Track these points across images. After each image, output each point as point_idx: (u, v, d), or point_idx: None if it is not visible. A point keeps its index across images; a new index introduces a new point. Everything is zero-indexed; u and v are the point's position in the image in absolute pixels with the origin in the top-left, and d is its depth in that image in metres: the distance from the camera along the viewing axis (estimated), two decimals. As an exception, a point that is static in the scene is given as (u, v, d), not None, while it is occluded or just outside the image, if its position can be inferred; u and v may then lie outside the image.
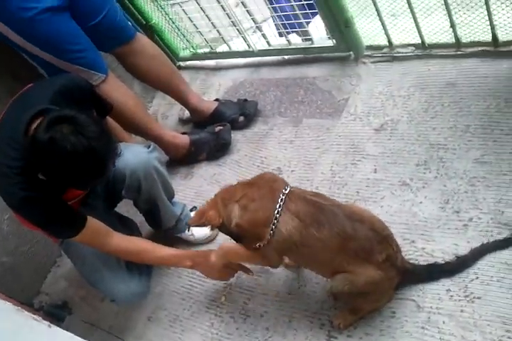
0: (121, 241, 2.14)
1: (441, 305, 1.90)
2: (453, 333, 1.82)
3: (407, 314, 1.94)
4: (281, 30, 3.08)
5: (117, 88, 2.62)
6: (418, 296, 1.96)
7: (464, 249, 1.99)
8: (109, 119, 2.40)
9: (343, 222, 1.77)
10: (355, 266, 1.79)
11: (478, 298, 1.86)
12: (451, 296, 1.91)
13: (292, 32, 3.07)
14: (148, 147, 2.32)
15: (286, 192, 1.81)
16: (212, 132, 2.93)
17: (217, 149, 2.92)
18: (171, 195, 2.50)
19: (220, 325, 2.27)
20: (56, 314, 2.70)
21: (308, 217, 1.78)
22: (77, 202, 2.11)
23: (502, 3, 2.35)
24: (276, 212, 1.77)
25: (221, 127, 2.94)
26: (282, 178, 1.98)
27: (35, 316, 1.70)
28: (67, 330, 1.71)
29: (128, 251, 2.17)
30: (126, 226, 2.49)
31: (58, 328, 1.67)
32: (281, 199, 1.79)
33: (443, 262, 1.96)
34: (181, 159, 2.97)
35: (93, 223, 2.03)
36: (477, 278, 1.91)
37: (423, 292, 1.96)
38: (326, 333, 2.04)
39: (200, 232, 2.53)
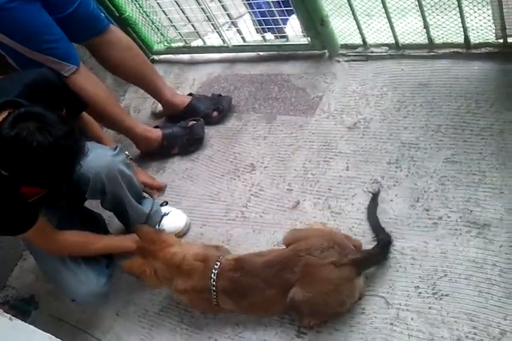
0: (60, 237, 2.14)
1: (410, 301, 1.93)
2: (421, 329, 1.85)
3: (377, 310, 1.96)
4: (257, 27, 3.07)
5: (89, 79, 2.58)
6: (387, 293, 1.98)
7: (433, 247, 2.02)
8: (86, 116, 2.37)
9: (262, 281, 1.95)
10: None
11: (446, 295, 1.89)
12: (420, 293, 1.94)
13: (269, 30, 3.07)
14: (115, 149, 2.28)
15: (215, 276, 2.01)
16: (185, 127, 2.90)
17: (190, 144, 2.90)
18: (138, 195, 2.47)
19: (190, 321, 2.27)
20: (22, 308, 2.65)
21: (234, 292, 2.01)
22: (35, 199, 2.04)
23: (474, 5, 2.38)
24: (214, 293, 2.02)
25: (194, 122, 2.91)
26: (211, 251, 2.12)
27: (-4, 309, 1.68)
28: (33, 324, 1.68)
29: (67, 246, 2.19)
30: (91, 224, 2.45)
31: (20, 321, 1.64)
32: (214, 283, 2.01)
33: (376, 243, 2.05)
34: (153, 153, 2.94)
35: (40, 220, 1.99)
36: (445, 275, 1.94)
37: (392, 289, 1.99)
38: (296, 329, 2.05)
39: (171, 227, 2.51)
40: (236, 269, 2.00)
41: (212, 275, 2.01)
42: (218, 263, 2.03)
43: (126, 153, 2.63)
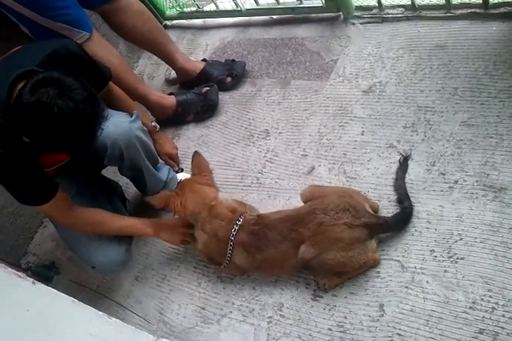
0: (78, 214, 2.12)
1: (425, 265, 1.94)
2: (436, 293, 1.87)
3: (392, 274, 1.98)
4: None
5: (102, 47, 2.56)
6: (403, 256, 2.00)
7: (448, 211, 2.02)
8: (116, 88, 2.37)
9: (277, 234, 2.00)
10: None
11: (462, 258, 1.90)
12: (435, 257, 1.95)
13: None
14: (131, 116, 2.28)
15: (237, 227, 2.07)
16: (199, 93, 2.89)
17: (205, 110, 2.90)
18: (155, 161, 2.50)
19: (208, 285, 2.31)
20: (44, 274, 2.71)
21: (251, 246, 2.05)
22: (56, 168, 2.08)
23: (493, -38, 2.32)
24: (230, 246, 2.07)
25: (208, 88, 2.90)
26: (241, 207, 2.19)
27: (19, 273, 1.71)
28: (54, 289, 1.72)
29: (84, 223, 2.15)
30: (110, 192, 2.48)
31: (43, 285, 1.67)
32: (234, 234, 2.06)
33: (398, 211, 2.07)
34: (167, 120, 2.94)
35: (60, 195, 2.00)
36: (461, 239, 1.94)
37: (407, 252, 2.00)
38: (312, 292, 2.09)
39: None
40: (256, 223, 2.07)
41: (235, 226, 2.07)
42: (243, 217, 2.10)
43: (153, 124, 2.63)
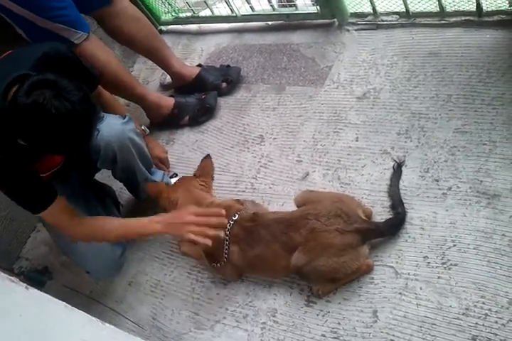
0: (85, 222, 2.04)
1: (419, 271, 1.94)
2: (429, 299, 1.87)
3: (386, 280, 1.98)
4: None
5: (99, 47, 2.56)
6: (396, 263, 2.00)
7: (442, 217, 2.03)
8: (104, 92, 2.37)
9: (269, 234, 2.02)
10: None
11: (455, 265, 1.90)
12: (429, 263, 1.95)
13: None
14: (124, 118, 2.27)
15: (232, 222, 2.08)
16: (198, 98, 2.90)
17: (201, 114, 2.90)
18: (149, 165, 2.49)
19: (201, 290, 2.31)
20: (37, 279, 2.69)
21: (243, 240, 2.07)
22: (51, 174, 2.07)
23: (487, -29, 2.34)
24: (226, 240, 2.07)
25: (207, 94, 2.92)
26: (237, 205, 2.18)
27: (12, 278, 1.69)
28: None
29: (92, 230, 2.04)
30: (103, 196, 2.47)
31: (36, 290, 1.65)
32: (228, 229, 2.07)
33: (391, 216, 2.08)
34: (162, 121, 2.94)
35: (62, 202, 1.97)
36: (454, 245, 1.95)
37: (401, 259, 2.00)
38: (305, 298, 2.08)
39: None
40: (250, 220, 2.08)
41: (231, 221, 2.08)
42: (238, 214, 2.11)
43: (143, 127, 2.63)
